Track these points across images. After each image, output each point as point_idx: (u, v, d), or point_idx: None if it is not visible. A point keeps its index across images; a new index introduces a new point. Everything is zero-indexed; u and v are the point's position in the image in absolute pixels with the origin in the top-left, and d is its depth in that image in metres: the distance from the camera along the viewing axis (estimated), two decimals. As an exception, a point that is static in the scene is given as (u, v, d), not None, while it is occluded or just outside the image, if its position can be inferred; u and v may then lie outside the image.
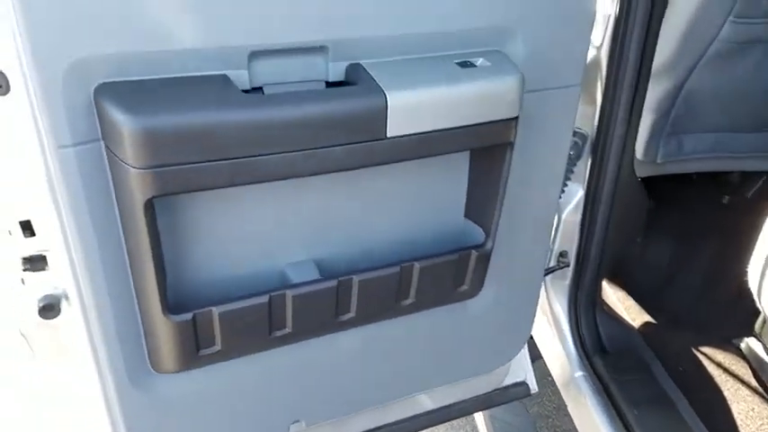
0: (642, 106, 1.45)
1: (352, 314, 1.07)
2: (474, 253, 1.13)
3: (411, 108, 0.90)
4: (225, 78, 0.84)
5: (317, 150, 0.87)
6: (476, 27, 0.98)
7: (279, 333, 1.02)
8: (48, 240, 0.86)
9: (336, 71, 0.92)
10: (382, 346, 1.19)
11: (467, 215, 1.18)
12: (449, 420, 1.51)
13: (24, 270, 0.89)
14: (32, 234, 0.86)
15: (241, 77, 0.86)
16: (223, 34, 0.82)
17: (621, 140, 1.44)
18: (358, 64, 0.92)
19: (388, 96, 0.88)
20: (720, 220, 1.89)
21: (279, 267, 1.05)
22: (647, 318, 1.79)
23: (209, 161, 0.80)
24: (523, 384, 1.63)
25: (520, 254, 1.26)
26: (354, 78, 0.91)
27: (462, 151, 1.05)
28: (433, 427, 1.50)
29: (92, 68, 0.76)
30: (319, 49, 0.89)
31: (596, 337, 1.68)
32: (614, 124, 1.42)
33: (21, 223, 0.85)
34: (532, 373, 1.65)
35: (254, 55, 0.85)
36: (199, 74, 0.83)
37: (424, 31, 0.94)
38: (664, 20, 1.39)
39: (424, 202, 1.13)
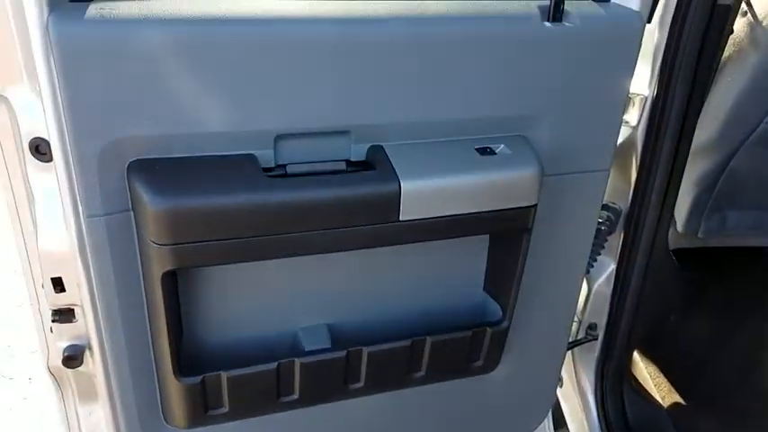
0: (679, 184, 1.42)
1: (360, 384, 1.09)
2: (489, 330, 1.13)
3: (424, 195, 0.92)
4: (251, 159, 0.88)
5: (333, 231, 0.90)
6: (500, 115, 1.00)
7: (286, 399, 1.04)
8: (76, 296, 0.92)
9: (358, 152, 0.96)
10: (392, 414, 1.20)
11: (486, 288, 1.19)
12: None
13: (53, 321, 0.95)
14: (62, 290, 0.92)
15: (266, 156, 0.90)
16: (252, 120, 0.86)
17: (656, 217, 1.42)
18: (379, 147, 0.95)
19: (402, 183, 0.90)
20: (763, 298, 1.82)
21: (292, 330, 1.08)
22: (678, 398, 1.73)
23: (228, 239, 0.84)
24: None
25: (541, 328, 1.26)
26: (374, 160, 0.94)
27: (477, 235, 1.06)
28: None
29: (126, 147, 0.82)
30: (342, 133, 0.93)
31: (621, 414, 1.63)
32: (648, 201, 1.40)
33: (52, 279, 0.91)
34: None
35: (281, 137, 0.90)
36: (227, 153, 0.88)
37: (447, 119, 0.96)
38: (706, 102, 1.37)
39: (440, 274, 1.14)
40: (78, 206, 0.83)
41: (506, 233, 1.03)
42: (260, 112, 0.86)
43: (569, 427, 1.76)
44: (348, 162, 0.96)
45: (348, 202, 0.89)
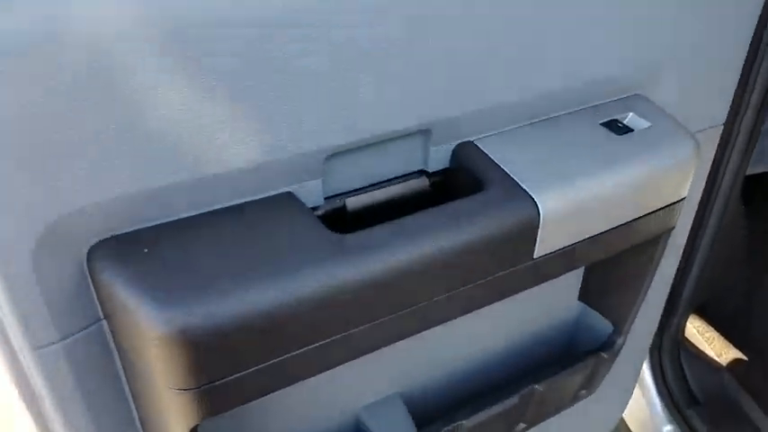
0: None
1: None
2: (604, 356, 0.85)
3: (569, 214, 0.60)
4: (291, 201, 0.52)
5: (432, 301, 0.56)
6: (615, 74, 0.68)
7: None
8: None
9: (439, 157, 0.62)
10: None
11: (584, 298, 0.90)
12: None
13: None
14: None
15: (311, 190, 0.55)
16: (293, 137, 0.50)
17: (746, 140, 1.16)
18: (471, 144, 0.61)
19: (539, 204, 0.57)
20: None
21: (352, 413, 0.75)
22: (735, 353, 1.54)
23: (291, 352, 0.49)
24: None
25: (632, 332, 0.99)
26: (470, 166, 0.61)
27: (613, 254, 0.75)
28: None
29: (80, 225, 0.44)
30: (418, 134, 0.58)
31: (684, 385, 1.43)
32: (742, 117, 1.13)
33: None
34: None
35: (333, 157, 0.54)
36: (250, 199, 0.51)
37: (548, 91, 0.63)
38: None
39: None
40: (14, 339, 0.45)
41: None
42: (303, 123, 0.50)
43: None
44: (426, 174, 0.62)
45: (460, 252, 0.55)
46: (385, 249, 0.51)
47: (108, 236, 0.46)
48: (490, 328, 0.84)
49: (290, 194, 0.53)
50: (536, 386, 0.79)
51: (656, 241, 0.75)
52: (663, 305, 1.06)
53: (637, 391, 1.46)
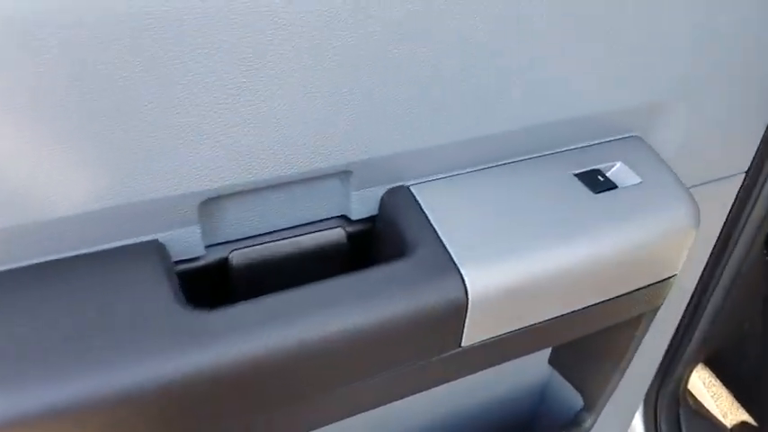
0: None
1: None
2: (570, 436, 0.72)
3: (507, 296, 0.47)
4: (153, 253, 0.41)
5: (325, 396, 0.44)
6: (606, 110, 0.54)
7: None
8: None
9: (366, 202, 0.49)
10: None
11: (553, 362, 0.77)
12: None
13: None
14: None
15: (185, 238, 0.43)
16: (157, 177, 0.38)
17: (761, 218, 1.01)
18: (403, 190, 0.49)
19: (467, 280, 0.44)
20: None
21: None
22: (744, 415, 1.39)
23: None
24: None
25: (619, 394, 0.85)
26: (393, 214, 0.48)
27: (574, 339, 0.61)
28: None
29: None
30: (335, 176, 0.46)
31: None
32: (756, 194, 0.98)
33: None
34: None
35: (213, 201, 0.42)
36: (98, 249, 0.40)
37: (514, 128, 0.50)
38: None
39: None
40: None
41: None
42: (169, 159, 0.39)
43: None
44: (348, 220, 0.50)
45: (368, 337, 0.43)
46: (254, 338, 0.39)
47: None
48: (448, 386, 0.72)
49: (154, 244, 0.42)
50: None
51: (638, 320, 0.61)
52: (655, 367, 0.92)
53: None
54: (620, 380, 0.70)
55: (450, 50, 0.43)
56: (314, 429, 0.48)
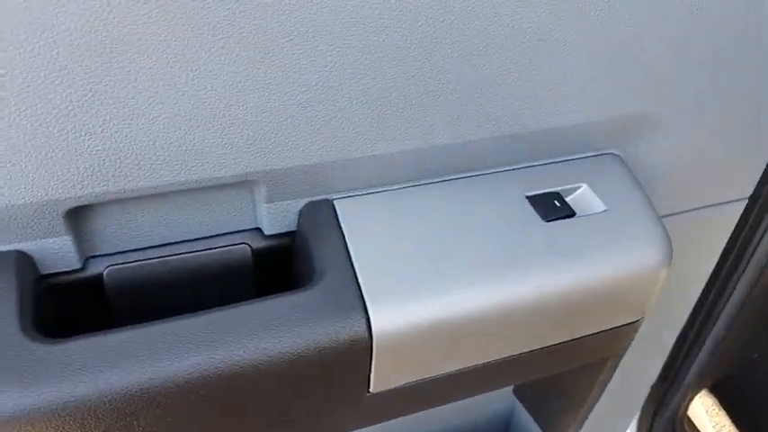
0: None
1: None
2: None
3: (424, 338, 0.40)
4: (17, 261, 0.36)
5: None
6: (579, 122, 0.47)
7: None
8: None
9: (279, 216, 0.43)
10: None
11: (517, 393, 0.70)
12: None
13: None
14: None
15: (57, 249, 0.37)
16: (15, 185, 0.33)
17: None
18: (324, 204, 0.42)
19: (373, 319, 0.38)
20: None
21: None
22: (746, 447, 1.30)
23: None
24: None
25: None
26: (307, 231, 0.42)
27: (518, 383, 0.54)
28: None
29: None
30: (241, 186, 0.40)
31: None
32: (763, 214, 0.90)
33: None
34: None
35: (85, 210, 0.37)
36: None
37: (464, 139, 0.43)
38: None
39: None
40: None
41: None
42: (30, 164, 0.33)
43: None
44: (262, 235, 0.44)
45: (255, 365, 0.37)
46: (90, 378, 0.33)
47: None
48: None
49: (14, 255, 0.36)
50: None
51: (601, 367, 0.54)
52: (640, 405, 0.85)
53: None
54: (584, 421, 0.63)
55: (377, 49, 0.36)
56: None
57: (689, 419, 1.29)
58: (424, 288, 0.40)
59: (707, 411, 1.35)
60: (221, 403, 0.37)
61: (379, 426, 0.58)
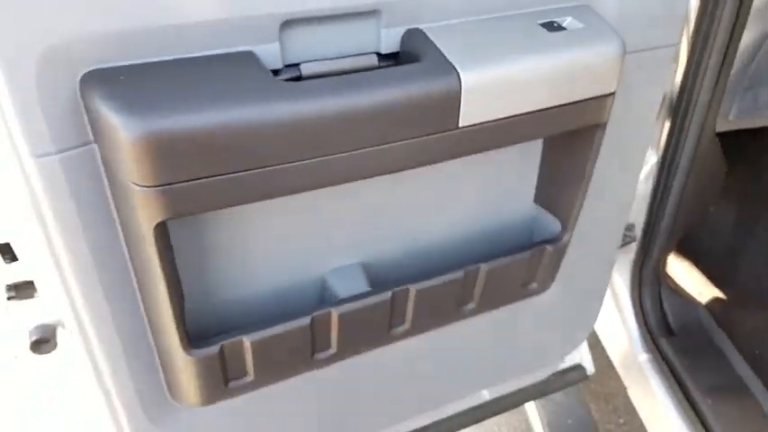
0: (734, 57, 1.22)
1: (406, 326, 0.90)
2: (548, 249, 0.94)
3: (490, 88, 0.69)
4: (250, 57, 0.63)
5: (369, 150, 0.67)
6: None
7: (322, 355, 0.85)
8: (34, 265, 0.68)
9: (390, 40, 0.72)
10: (437, 349, 1.03)
11: (537, 200, 0.99)
12: (503, 412, 1.37)
13: (9, 299, 0.71)
14: (14, 258, 0.69)
15: (271, 53, 0.66)
16: (247, 1, 0.61)
17: (707, 101, 1.22)
18: (418, 30, 0.71)
19: (461, 75, 0.67)
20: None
21: (319, 274, 0.87)
22: (716, 292, 1.61)
23: (238, 172, 0.61)
24: (580, 368, 1.48)
25: (594, 240, 1.08)
26: (413, 48, 0.71)
27: (543, 137, 0.84)
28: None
29: (75, 53, 0.56)
30: (370, 14, 0.68)
31: (662, 317, 1.51)
32: (701, 83, 1.20)
33: (-1, 247, 0.67)
34: (589, 355, 1.49)
35: (288, 24, 0.65)
36: (216, 52, 0.62)
37: None
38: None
39: (482, 187, 0.93)
40: (18, 143, 0.58)
41: (575, 131, 0.82)
42: None
43: (601, 336, 1.64)
44: (379, 55, 0.73)
45: (394, 109, 0.65)
46: (322, 95, 0.62)
47: (96, 67, 0.58)
48: (450, 221, 0.94)
49: (250, 53, 0.65)
50: (481, 264, 0.89)
51: (589, 140, 0.84)
52: (625, 219, 1.14)
53: (618, 321, 1.54)
54: (583, 196, 0.92)
55: None
56: (349, 179, 0.69)
57: (667, 275, 1.59)
58: (489, 59, 0.69)
59: (683, 269, 1.66)
60: (366, 126, 0.65)
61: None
